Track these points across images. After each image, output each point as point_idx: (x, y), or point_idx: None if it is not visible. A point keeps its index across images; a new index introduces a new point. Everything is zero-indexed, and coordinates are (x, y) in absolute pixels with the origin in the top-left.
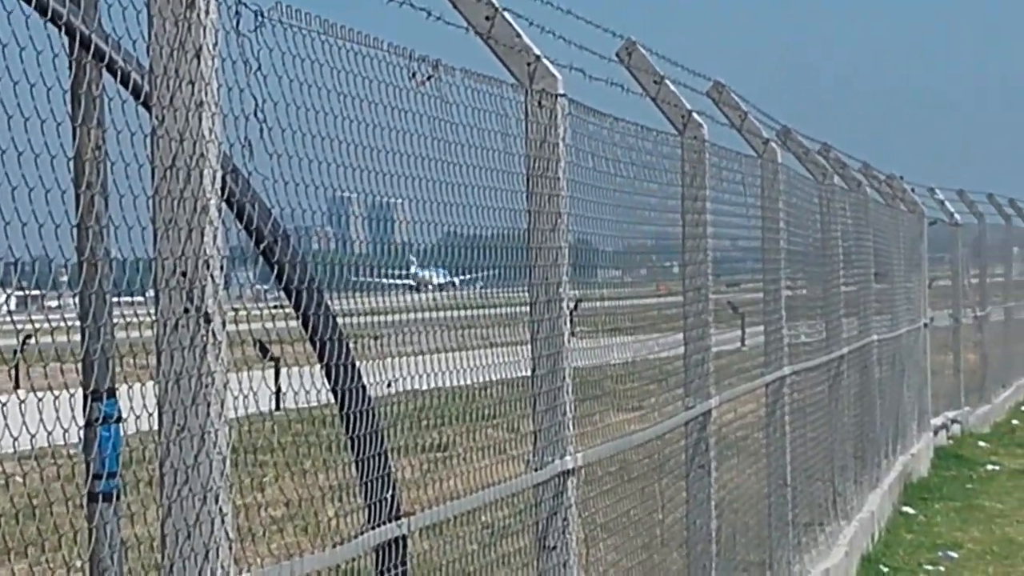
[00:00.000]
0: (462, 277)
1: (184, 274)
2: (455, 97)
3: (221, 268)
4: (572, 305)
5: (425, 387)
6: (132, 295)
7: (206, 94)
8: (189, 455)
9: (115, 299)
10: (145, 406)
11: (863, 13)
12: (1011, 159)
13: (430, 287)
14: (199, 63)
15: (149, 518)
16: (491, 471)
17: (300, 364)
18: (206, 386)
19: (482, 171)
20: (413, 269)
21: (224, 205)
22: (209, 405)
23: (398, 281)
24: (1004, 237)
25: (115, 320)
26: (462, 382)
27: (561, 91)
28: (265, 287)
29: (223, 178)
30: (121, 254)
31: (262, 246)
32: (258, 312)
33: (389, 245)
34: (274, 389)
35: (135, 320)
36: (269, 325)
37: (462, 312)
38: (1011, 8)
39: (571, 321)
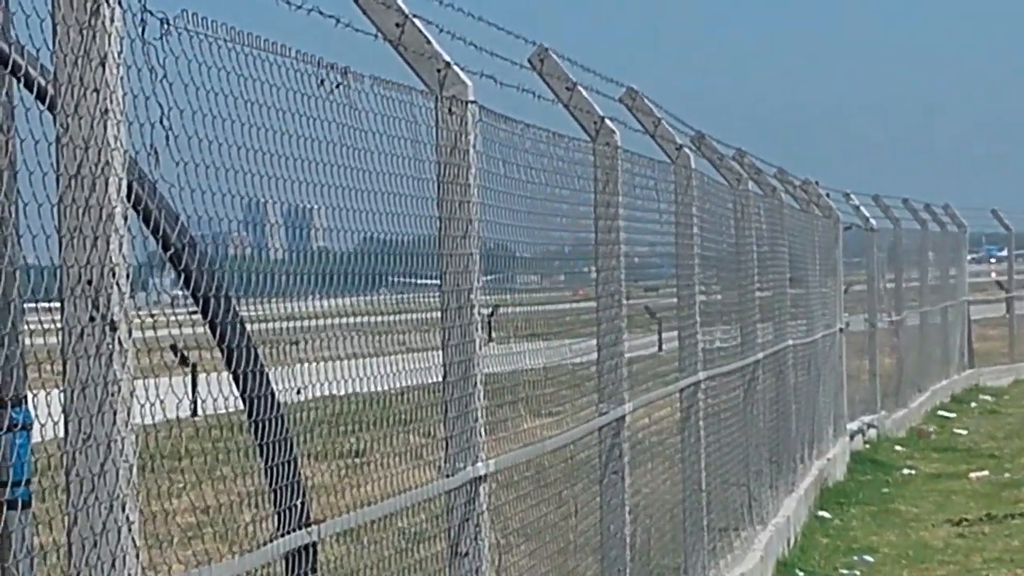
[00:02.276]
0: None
1: (90, 282)
2: (365, 104)
3: (127, 276)
4: (489, 311)
5: (342, 392)
6: (49, 301)
7: (111, 102)
8: (95, 464)
9: (27, 305)
10: (50, 414)
11: (777, 26)
12: (925, 166)
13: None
14: (104, 71)
15: (62, 525)
16: (406, 477)
17: (218, 370)
18: (112, 395)
19: (394, 178)
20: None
21: (132, 212)
22: (115, 413)
23: (428, 282)
24: (919, 242)
25: (26, 327)
26: (380, 387)
27: (471, 98)
28: (183, 293)
29: (130, 185)
30: (27, 261)
31: (169, 253)
32: (175, 318)
33: (307, 252)
34: (191, 395)
35: (51, 327)
36: (188, 331)
37: (379, 318)
38: (925, 19)
39: (488, 327)
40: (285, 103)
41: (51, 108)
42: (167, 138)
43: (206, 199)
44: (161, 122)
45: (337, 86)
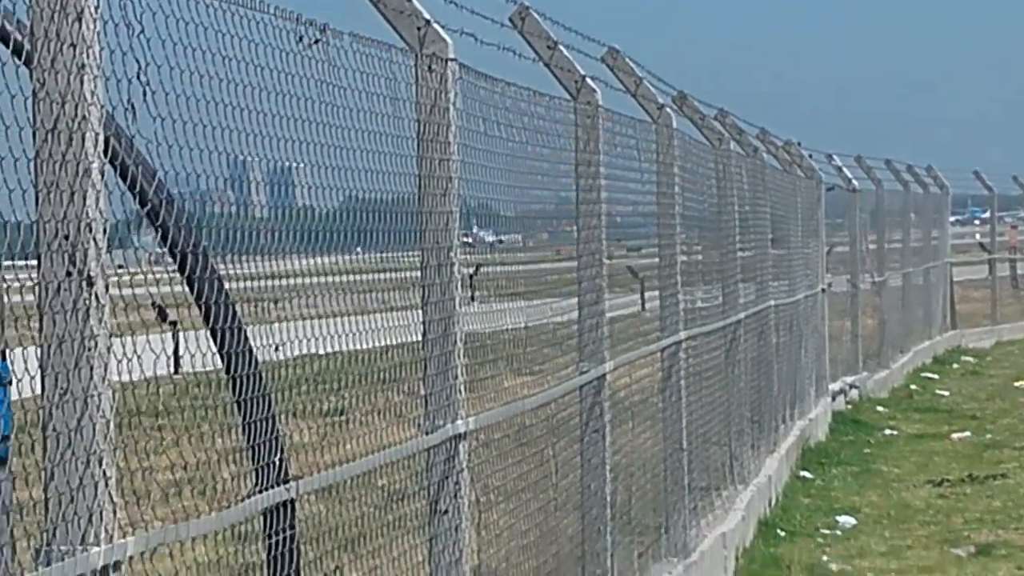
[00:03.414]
0: (505, 236)
1: (67, 237)
2: (344, 61)
3: (104, 231)
4: (472, 271)
5: (323, 351)
6: (26, 258)
7: (88, 56)
8: (72, 419)
9: (5, 262)
10: (27, 369)
11: None
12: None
13: (484, 243)
14: (80, 25)
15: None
16: (386, 434)
17: (199, 328)
18: (88, 350)
19: (374, 136)
20: (475, 229)
21: (109, 168)
22: (92, 369)
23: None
24: (902, 203)
25: (3, 283)
26: (361, 345)
27: (452, 56)
28: (163, 250)
29: (107, 140)
30: (3, 216)
31: (146, 209)
32: (157, 276)
33: (289, 209)
34: (173, 353)
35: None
36: (170, 289)
37: (361, 276)
38: None
39: (471, 286)
40: (263, 59)
41: (27, 63)
42: (144, 94)
43: (184, 155)
44: (139, 77)
45: (315, 42)
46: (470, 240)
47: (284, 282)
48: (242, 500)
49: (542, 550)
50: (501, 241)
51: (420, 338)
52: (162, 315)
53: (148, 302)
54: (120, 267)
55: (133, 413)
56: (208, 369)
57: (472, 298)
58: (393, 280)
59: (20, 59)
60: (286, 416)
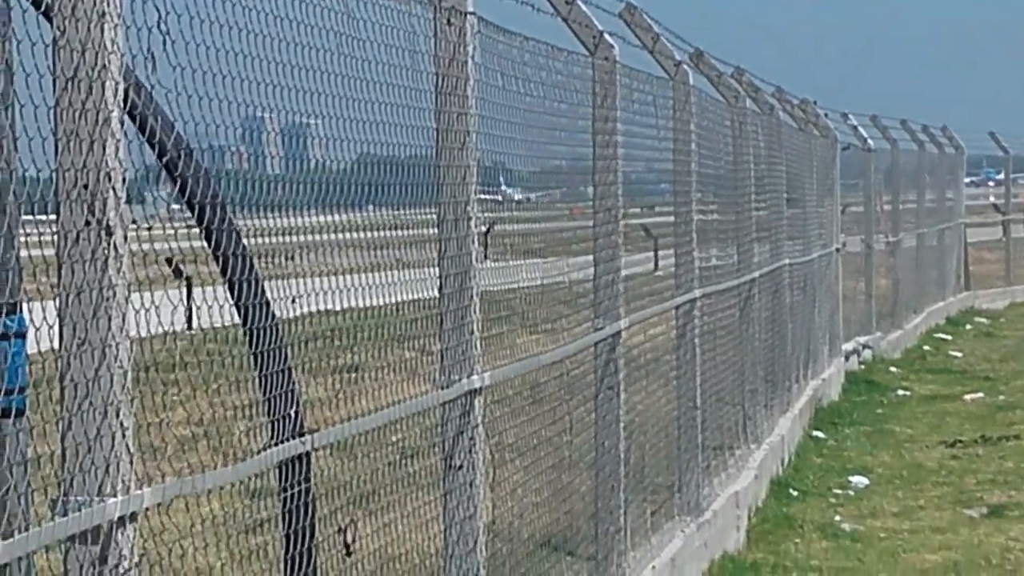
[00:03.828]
0: (535, 194)
1: (86, 186)
2: (363, 13)
3: (123, 181)
4: (485, 228)
5: (339, 307)
6: (46, 212)
7: (108, 4)
8: (90, 369)
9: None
10: (45, 319)
11: None
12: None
13: (512, 201)
14: None
15: (55, 434)
16: (400, 390)
17: (213, 283)
18: (107, 299)
19: (392, 88)
20: (503, 187)
21: (127, 118)
22: (110, 319)
23: (489, 197)
24: (917, 163)
25: (21, 236)
26: (376, 301)
27: (471, 9)
28: (177, 205)
29: (126, 91)
30: (23, 165)
31: (164, 160)
32: (172, 231)
33: (303, 163)
34: (186, 307)
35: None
36: (184, 244)
37: (376, 233)
38: None
39: (485, 244)
40: (282, 9)
41: (47, 15)
42: (164, 43)
43: (203, 105)
44: (159, 26)
45: None
46: (499, 197)
47: (298, 238)
48: (258, 453)
49: (555, 507)
50: (529, 199)
51: (434, 294)
52: (176, 271)
53: (162, 257)
54: (133, 222)
55: (145, 368)
56: (219, 325)
57: (485, 256)
58: (407, 236)
59: (39, 10)
60: (299, 372)
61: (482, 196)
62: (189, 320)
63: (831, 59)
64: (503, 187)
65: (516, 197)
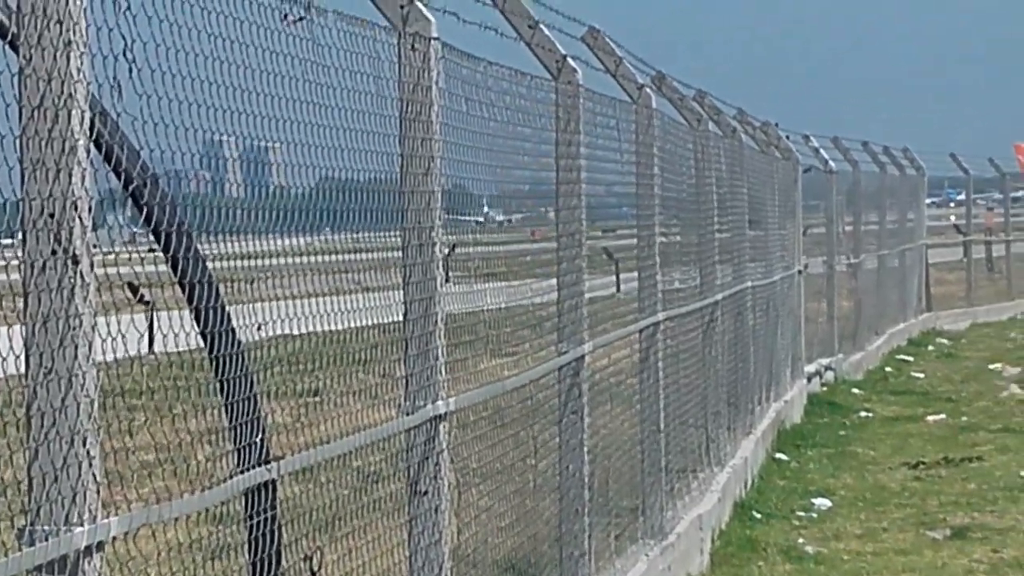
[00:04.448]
0: (513, 216)
1: (52, 215)
2: (327, 39)
3: (89, 210)
4: (447, 251)
5: (299, 332)
6: (12, 236)
7: (74, 33)
8: (56, 398)
9: None
10: (12, 348)
11: None
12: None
13: (494, 223)
14: (67, 2)
15: (20, 462)
16: (363, 416)
17: (173, 308)
18: (73, 328)
19: (355, 114)
20: (485, 209)
21: (93, 147)
22: (77, 347)
23: (471, 219)
24: (878, 185)
25: None
26: (337, 326)
27: (435, 34)
28: (140, 230)
29: (92, 119)
30: None
31: (130, 188)
32: (132, 255)
33: (265, 188)
34: (147, 332)
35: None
36: (147, 268)
37: (337, 257)
38: None
39: (446, 267)
40: (248, 36)
41: (13, 44)
42: (130, 71)
43: (168, 133)
44: (124, 55)
45: (299, 19)
46: (481, 219)
47: (258, 262)
48: (224, 481)
49: (520, 532)
50: (510, 221)
51: (396, 319)
52: (136, 294)
53: (122, 282)
54: (95, 246)
55: (114, 394)
56: (181, 349)
57: (447, 279)
58: (368, 260)
59: (5, 39)
60: (262, 398)
61: (467, 218)
62: (150, 343)
63: (792, 81)
64: (486, 208)
65: (498, 218)
